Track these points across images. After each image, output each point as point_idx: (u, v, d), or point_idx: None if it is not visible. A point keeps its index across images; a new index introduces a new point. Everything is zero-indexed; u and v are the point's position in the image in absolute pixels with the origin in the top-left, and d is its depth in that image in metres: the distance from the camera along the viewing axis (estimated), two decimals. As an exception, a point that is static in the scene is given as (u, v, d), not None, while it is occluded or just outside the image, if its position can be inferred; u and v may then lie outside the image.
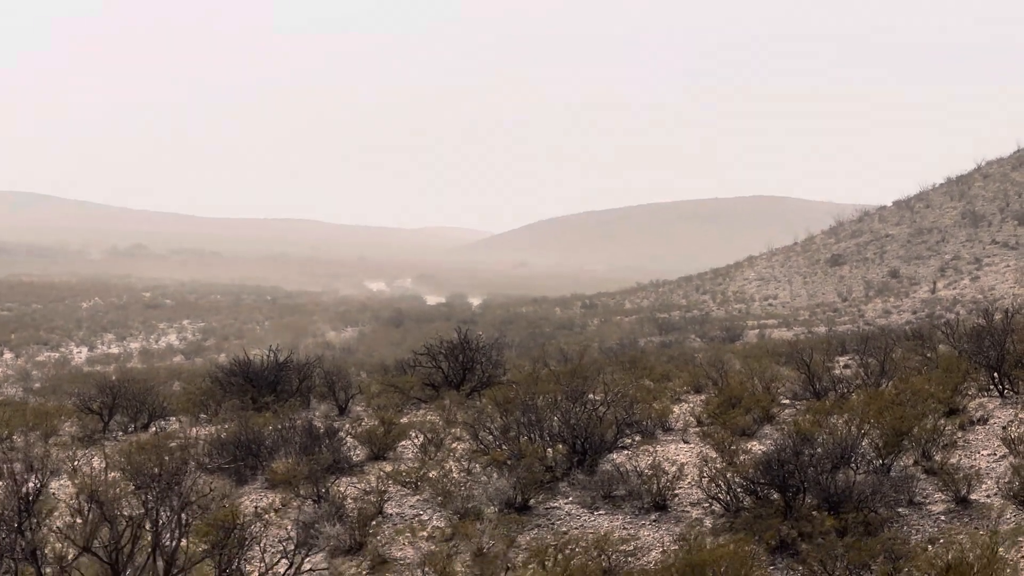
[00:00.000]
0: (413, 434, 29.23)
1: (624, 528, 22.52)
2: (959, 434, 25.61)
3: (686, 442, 27.80)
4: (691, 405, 31.87)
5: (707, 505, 22.98)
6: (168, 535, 20.31)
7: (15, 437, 31.31)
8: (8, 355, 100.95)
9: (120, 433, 32.86)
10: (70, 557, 19.76)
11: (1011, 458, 23.74)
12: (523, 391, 29.49)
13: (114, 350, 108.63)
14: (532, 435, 26.28)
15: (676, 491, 23.59)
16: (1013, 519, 21.07)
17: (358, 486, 25.21)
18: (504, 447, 26.00)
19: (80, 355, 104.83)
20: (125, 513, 21.97)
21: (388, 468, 26.05)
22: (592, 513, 23.34)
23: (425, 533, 22.91)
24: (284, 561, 19.52)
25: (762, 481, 22.10)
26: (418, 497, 24.67)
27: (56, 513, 23.34)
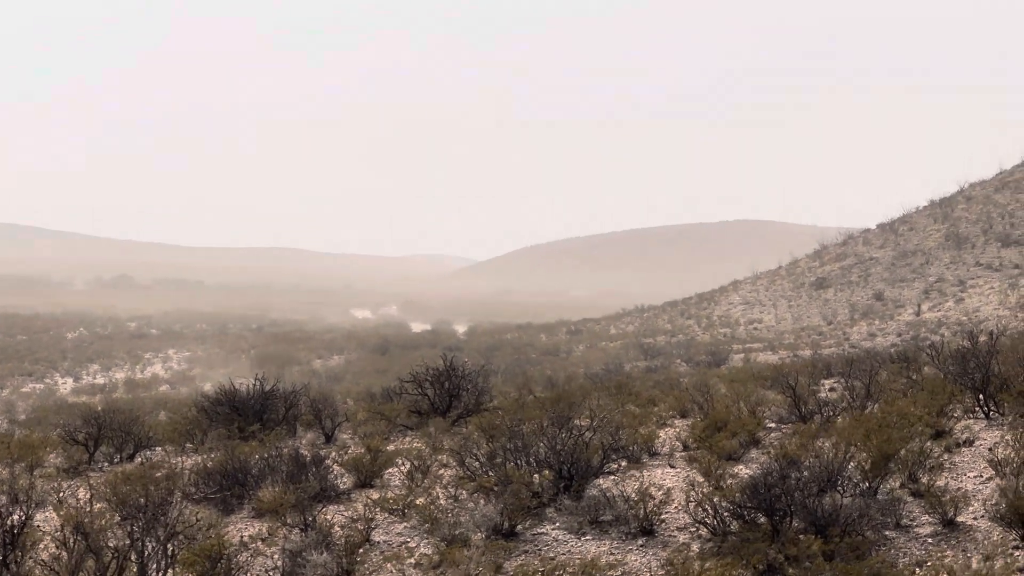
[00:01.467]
0: (400, 461, 29.22)
1: (611, 553, 22.50)
2: (945, 456, 25.64)
3: (672, 467, 27.81)
4: (677, 429, 31.89)
5: (694, 529, 22.98)
6: (154, 566, 20.26)
7: (0, 469, 31.19)
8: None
9: (106, 464, 32.78)
10: (56, 589, 19.69)
11: (997, 480, 23.77)
12: (509, 417, 29.48)
13: (99, 380, 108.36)
14: (518, 461, 26.27)
15: (663, 516, 23.59)
16: (1000, 541, 21.08)
17: (345, 514, 25.18)
18: (491, 473, 25.98)
19: (65, 386, 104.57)
20: (111, 544, 21.92)
21: (375, 495, 26.02)
22: (579, 538, 23.31)
23: (412, 560, 22.86)
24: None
25: (749, 505, 22.10)
26: (405, 524, 24.64)
27: (41, 545, 23.26)
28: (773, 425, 31.68)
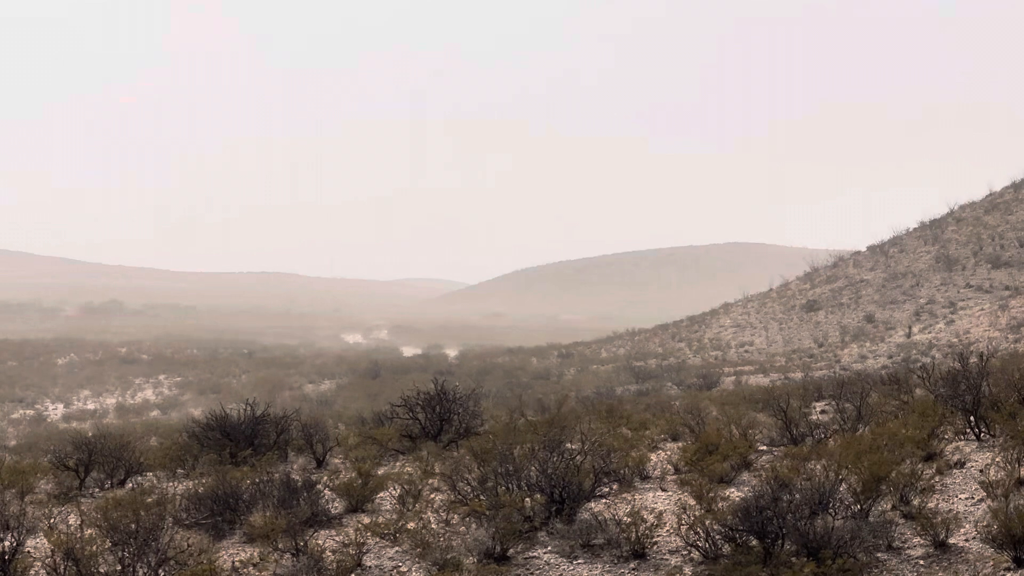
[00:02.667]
0: (391, 486, 29.19)
1: (604, 577, 22.48)
2: (936, 478, 25.68)
3: (664, 490, 27.81)
4: (668, 453, 31.89)
5: (686, 552, 22.98)
6: (146, 591, 20.21)
7: (-10, 495, 31.09)
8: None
9: (97, 489, 32.71)
10: (47, 615, 19.67)
11: (988, 501, 23.80)
12: (500, 441, 29.46)
13: (90, 406, 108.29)
14: (510, 485, 26.26)
15: (655, 539, 23.58)
16: (991, 563, 21.10)
17: (336, 539, 25.15)
18: (482, 497, 25.96)
19: (56, 412, 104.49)
20: (102, 570, 21.91)
21: (366, 520, 25.99)
22: (571, 562, 23.30)
23: (404, 585, 22.83)
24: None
25: (741, 528, 22.11)
26: (397, 549, 24.61)
27: (32, 571, 23.23)
28: (764, 448, 31.70)
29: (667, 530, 24.04)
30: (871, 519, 23.25)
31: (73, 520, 27.52)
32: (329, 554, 24.05)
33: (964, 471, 26.60)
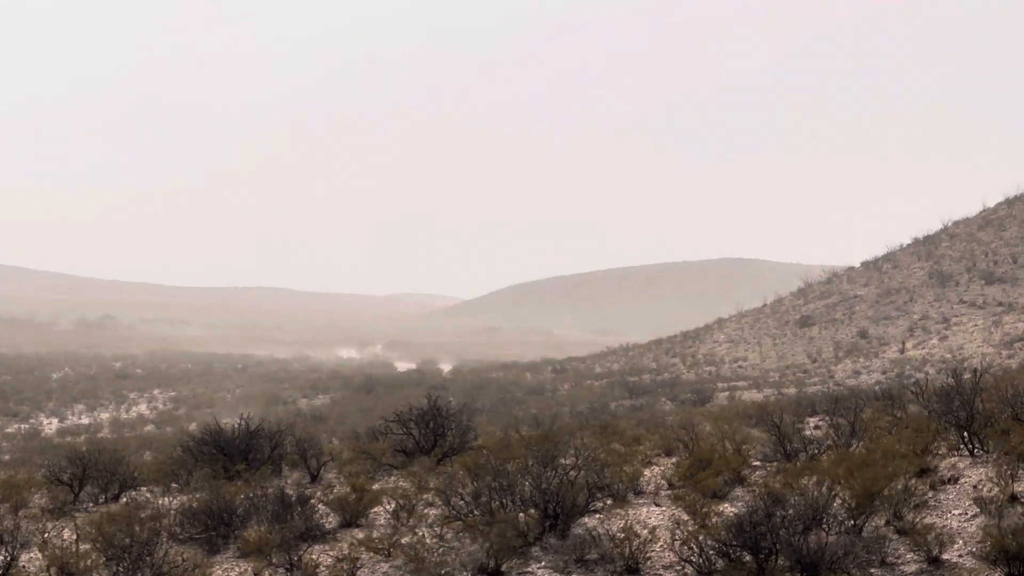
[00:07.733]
0: (385, 500, 29.21)
1: (597, 592, 22.50)
2: (930, 494, 25.71)
3: (658, 505, 27.84)
4: (662, 468, 31.91)
5: (680, 568, 23.01)
6: (140, 606, 20.23)
7: (-15, 510, 31.07)
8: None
9: (91, 504, 32.71)
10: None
11: (982, 518, 23.83)
12: (494, 456, 29.49)
13: (85, 420, 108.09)
14: (504, 500, 26.29)
15: (648, 554, 23.61)
16: (985, 578, 21.14)
17: (330, 553, 25.17)
18: (476, 512, 25.99)
19: (50, 426, 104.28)
20: (96, 584, 21.89)
21: (360, 535, 26.01)
22: (565, 578, 23.32)
23: (398, 600, 22.85)
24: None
25: (734, 543, 22.14)
26: (391, 564, 24.63)
27: (26, 585, 23.21)
28: (758, 463, 31.72)
29: (661, 545, 24.08)
30: (864, 535, 23.28)
31: (67, 535, 27.52)
32: (323, 569, 24.08)
33: (958, 487, 26.64)
